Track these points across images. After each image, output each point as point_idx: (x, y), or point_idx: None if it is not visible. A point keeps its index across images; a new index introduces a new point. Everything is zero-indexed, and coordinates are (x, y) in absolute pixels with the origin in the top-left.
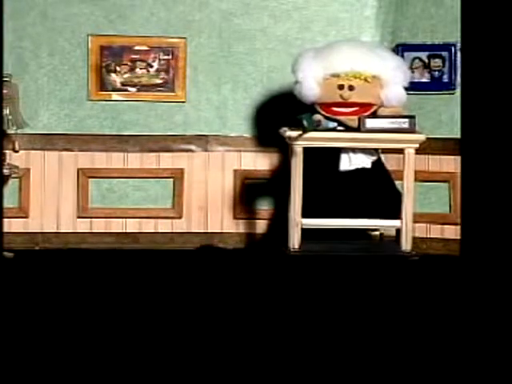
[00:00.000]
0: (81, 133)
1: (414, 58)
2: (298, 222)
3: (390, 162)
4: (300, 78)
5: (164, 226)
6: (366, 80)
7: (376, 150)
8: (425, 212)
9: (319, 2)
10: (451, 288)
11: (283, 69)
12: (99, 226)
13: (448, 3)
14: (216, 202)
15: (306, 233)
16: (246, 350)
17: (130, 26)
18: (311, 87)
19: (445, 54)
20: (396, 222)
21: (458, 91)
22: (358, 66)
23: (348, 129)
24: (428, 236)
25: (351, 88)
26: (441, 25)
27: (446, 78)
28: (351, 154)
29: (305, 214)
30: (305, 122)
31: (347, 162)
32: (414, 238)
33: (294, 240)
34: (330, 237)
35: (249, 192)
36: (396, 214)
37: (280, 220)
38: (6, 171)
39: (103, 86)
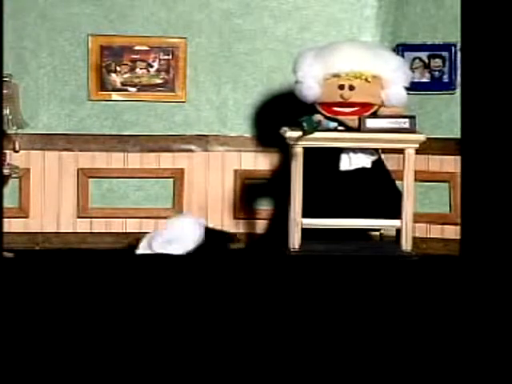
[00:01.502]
0: (81, 133)
1: (414, 58)
2: (298, 222)
3: (390, 162)
4: (300, 78)
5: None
6: (366, 80)
7: (376, 149)
8: (425, 212)
9: (319, 2)
10: (451, 288)
11: (283, 69)
12: (99, 226)
13: (448, 3)
14: (216, 201)
15: (306, 233)
16: (246, 350)
17: (130, 26)
18: (311, 87)
19: (445, 53)
20: (396, 222)
21: (458, 91)
22: (359, 65)
23: (348, 129)
24: (428, 236)
25: (351, 88)
26: (441, 25)
27: (446, 78)
28: (351, 154)
29: (305, 214)
30: (305, 125)
31: (347, 162)
32: (414, 238)
33: (294, 240)
34: (330, 237)
35: (249, 192)
36: (396, 213)
37: (280, 220)
38: (6, 171)
39: (103, 85)
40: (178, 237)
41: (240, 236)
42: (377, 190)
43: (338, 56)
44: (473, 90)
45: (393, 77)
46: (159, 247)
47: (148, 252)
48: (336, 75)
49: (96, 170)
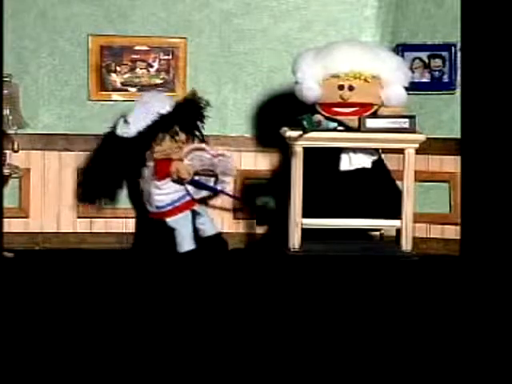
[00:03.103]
0: (81, 133)
1: (414, 58)
2: (298, 222)
3: (390, 162)
4: (300, 79)
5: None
6: (365, 80)
7: (376, 149)
8: (425, 212)
9: (319, 2)
10: (451, 288)
11: (283, 69)
12: (99, 225)
13: (448, 3)
14: (216, 201)
15: (306, 233)
16: (246, 350)
17: (130, 26)
18: (311, 88)
19: (445, 54)
20: (396, 222)
21: (458, 91)
22: (358, 66)
23: (348, 129)
24: (428, 236)
25: (351, 88)
26: (441, 25)
27: (446, 78)
28: (351, 154)
29: (305, 214)
30: (305, 123)
31: (347, 162)
32: (414, 238)
33: (294, 240)
34: (330, 237)
35: (249, 192)
36: (397, 213)
37: (280, 220)
38: (6, 171)
39: (103, 85)
40: (149, 107)
41: (240, 236)
42: (377, 189)
43: (338, 56)
44: (473, 89)
45: (392, 77)
46: (136, 120)
47: (126, 129)
48: (335, 76)
49: None
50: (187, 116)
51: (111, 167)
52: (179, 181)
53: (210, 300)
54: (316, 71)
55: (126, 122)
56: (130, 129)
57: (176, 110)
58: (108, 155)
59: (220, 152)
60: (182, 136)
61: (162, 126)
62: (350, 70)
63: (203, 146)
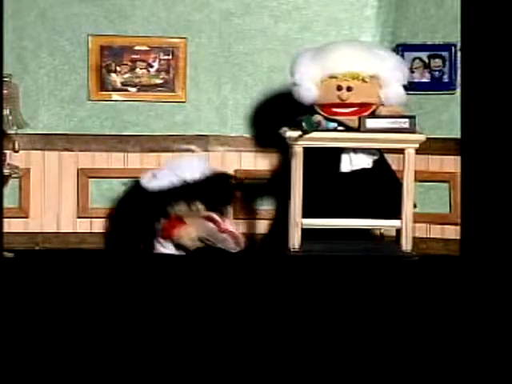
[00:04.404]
0: (81, 133)
1: (414, 58)
2: (298, 222)
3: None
4: (297, 80)
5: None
6: (363, 80)
7: (378, 149)
8: (425, 212)
9: (319, 2)
10: (451, 288)
11: (283, 69)
12: (99, 226)
13: (448, 3)
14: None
15: (306, 233)
16: (246, 350)
17: (130, 26)
18: (309, 89)
19: (445, 54)
20: (396, 222)
21: (458, 91)
22: (356, 66)
23: (348, 129)
24: (428, 236)
25: (349, 89)
26: (441, 25)
27: (446, 78)
28: (352, 155)
29: (305, 215)
30: (304, 125)
31: (348, 163)
32: (414, 238)
33: (294, 240)
34: (331, 237)
35: (249, 192)
36: (399, 213)
37: (280, 220)
38: (6, 171)
39: (103, 85)
40: (182, 167)
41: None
42: (379, 189)
43: (335, 57)
44: (473, 89)
45: (390, 76)
46: (164, 176)
47: (149, 183)
48: (333, 76)
49: (96, 170)
50: (212, 193)
51: (133, 216)
52: (181, 246)
53: (209, 300)
54: (314, 72)
55: (153, 175)
56: (153, 183)
57: (203, 182)
58: (131, 204)
59: (230, 229)
60: (200, 206)
61: (182, 191)
62: (347, 70)
63: (215, 217)
